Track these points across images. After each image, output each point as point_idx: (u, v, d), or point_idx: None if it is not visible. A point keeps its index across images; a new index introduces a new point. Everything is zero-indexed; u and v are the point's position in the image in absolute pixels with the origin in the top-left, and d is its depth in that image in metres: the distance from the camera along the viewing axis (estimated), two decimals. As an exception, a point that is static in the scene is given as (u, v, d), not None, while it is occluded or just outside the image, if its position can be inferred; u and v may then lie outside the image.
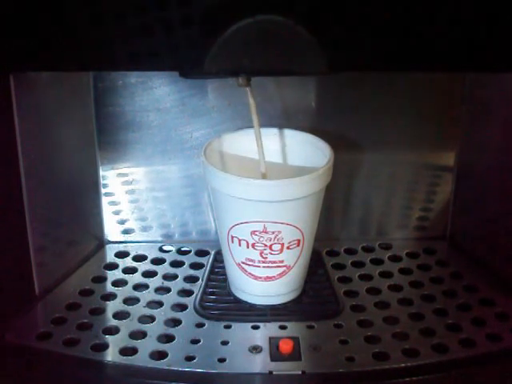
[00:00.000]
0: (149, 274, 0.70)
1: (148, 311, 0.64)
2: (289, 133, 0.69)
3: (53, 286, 0.67)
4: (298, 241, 0.62)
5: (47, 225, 0.66)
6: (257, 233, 0.61)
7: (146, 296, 0.67)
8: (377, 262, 0.73)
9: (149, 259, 0.73)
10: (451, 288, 0.68)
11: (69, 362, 0.58)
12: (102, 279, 0.70)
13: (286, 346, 0.58)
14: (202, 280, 0.69)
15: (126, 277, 0.70)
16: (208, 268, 0.71)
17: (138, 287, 0.68)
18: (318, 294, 0.67)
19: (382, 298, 0.66)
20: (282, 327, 0.62)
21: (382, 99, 0.71)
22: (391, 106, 0.72)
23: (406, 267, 0.71)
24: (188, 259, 0.73)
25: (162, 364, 0.57)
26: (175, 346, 0.59)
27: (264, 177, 0.65)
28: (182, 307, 0.65)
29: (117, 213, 0.76)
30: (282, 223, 0.60)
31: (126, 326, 0.62)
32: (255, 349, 0.59)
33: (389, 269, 0.71)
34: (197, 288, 0.68)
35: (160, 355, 0.58)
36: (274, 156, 0.68)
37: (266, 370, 0.56)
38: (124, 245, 0.76)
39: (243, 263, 0.63)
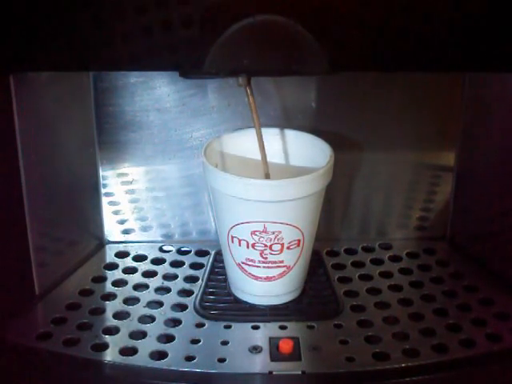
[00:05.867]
0: (149, 274, 0.70)
1: (148, 311, 0.64)
2: (289, 133, 0.69)
3: (53, 286, 0.67)
4: (298, 241, 0.62)
5: (47, 225, 0.66)
6: (257, 233, 0.61)
7: (146, 296, 0.67)
8: (377, 262, 0.73)
9: (149, 259, 0.73)
10: (451, 288, 0.68)
11: (69, 362, 0.58)
12: (101, 279, 0.70)
13: (286, 346, 0.58)
14: (202, 280, 0.69)
15: (126, 277, 0.70)
16: (208, 268, 0.71)
17: (138, 287, 0.68)
18: (317, 294, 0.67)
19: (382, 298, 0.66)
20: (282, 327, 0.62)
21: (381, 99, 0.71)
22: (391, 106, 0.72)
23: (405, 267, 0.71)
24: (188, 259, 0.73)
25: (162, 364, 0.57)
26: (175, 346, 0.59)
27: (267, 177, 0.65)
28: (182, 307, 0.65)
29: (117, 213, 0.76)
30: (282, 223, 0.60)
31: (126, 326, 0.62)
32: (255, 349, 0.59)
33: (389, 269, 0.71)
34: (197, 288, 0.68)
35: (160, 355, 0.58)
36: (274, 156, 0.68)
37: (266, 370, 0.56)
38: (124, 245, 0.76)
39: (243, 263, 0.63)
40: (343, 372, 0.56)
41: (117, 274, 0.71)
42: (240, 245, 0.62)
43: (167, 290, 0.68)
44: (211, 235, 0.76)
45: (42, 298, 0.66)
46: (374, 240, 0.76)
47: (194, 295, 0.67)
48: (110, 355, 0.58)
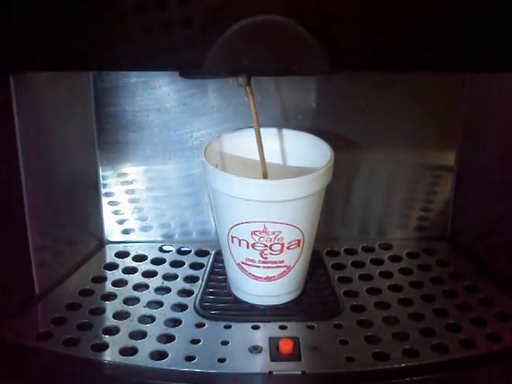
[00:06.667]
0: (149, 274, 0.70)
1: (148, 311, 0.64)
2: (289, 133, 0.69)
3: (53, 286, 0.67)
4: (298, 241, 0.62)
5: (47, 225, 0.66)
6: (257, 233, 0.61)
7: (146, 296, 0.67)
8: (377, 261, 0.73)
9: (149, 259, 0.73)
10: (451, 288, 0.68)
11: (69, 362, 0.58)
12: (101, 279, 0.70)
13: (286, 346, 0.58)
14: (202, 280, 0.69)
15: (126, 277, 0.70)
16: (208, 268, 0.71)
17: (138, 287, 0.68)
18: (318, 294, 0.67)
19: (382, 298, 0.66)
20: (282, 327, 0.62)
21: (382, 99, 0.71)
22: (391, 106, 0.72)
23: (405, 267, 0.71)
24: (188, 259, 0.73)
25: (162, 364, 0.57)
26: (175, 346, 0.59)
27: (265, 176, 0.65)
28: (182, 307, 0.65)
29: (117, 213, 0.76)
30: (282, 223, 0.60)
31: (125, 326, 0.62)
32: (255, 349, 0.59)
33: (389, 269, 0.71)
34: (197, 288, 0.68)
35: (160, 355, 0.58)
36: (274, 156, 0.69)
37: (266, 370, 0.56)
38: (124, 245, 0.76)
39: (243, 263, 0.63)
40: (343, 372, 0.56)
41: (117, 274, 0.71)
42: (240, 245, 0.62)
43: (167, 290, 0.68)
44: (211, 235, 0.76)
45: (42, 298, 0.66)
46: (374, 240, 0.76)
47: (194, 295, 0.67)
48: (110, 355, 0.58)
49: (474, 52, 0.54)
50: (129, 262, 0.73)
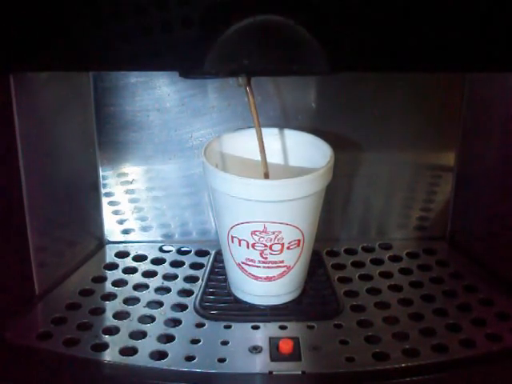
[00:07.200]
0: (149, 274, 0.70)
1: (148, 311, 0.64)
2: (289, 133, 0.69)
3: (53, 286, 0.67)
4: (298, 241, 0.62)
5: (47, 225, 0.66)
6: (257, 233, 0.61)
7: (146, 296, 0.67)
8: (377, 262, 0.73)
9: (149, 259, 0.73)
10: (451, 288, 0.68)
11: (69, 362, 0.58)
12: (102, 279, 0.70)
13: (286, 346, 0.58)
14: (202, 280, 0.69)
15: (126, 277, 0.70)
16: (208, 268, 0.71)
17: (138, 287, 0.68)
18: (318, 294, 0.67)
19: (382, 298, 0.66)
20: (282, 327, 0.62)
21: (382, 99, 0.71)
22: (391, 106, 0.72)
23: (405, 267, 0.71)
24: (188, 259, 0.73)
25: (162, 364, 0.57)
26: (175, 346, 0.59)
27: (266, 176, 0.65)
28: (182, 307, 0.65)
29: (117, 213, 0.76)
30: (282, 223, 0.60)
31: (126, 326, 0.62)
32: (255, 349, 0.59)
33: (389, 269, 0.71)
34: (197, 288, 0.68)
35: (160, 355, 0.58)
36: (274, 156, 0.68)
37: (266, 370, 0.56)
38: (124, 245, 0.76)
39: (243, 263, 0.63)
40: (343, 372, 0.56)
41: (117, 274, 0.71)
42: (240, 245, 0.62)
43: (167, 290, 0.68)
44: (211, 235, 0.76)
45: (42, 298, 0.66)
46: (374, 240, 0.76)
47: (194, 295, 0.67)
48: (110, 355, 0.58)
49: (474, 52, 0.54)
50: (129, 262, 0.73)
